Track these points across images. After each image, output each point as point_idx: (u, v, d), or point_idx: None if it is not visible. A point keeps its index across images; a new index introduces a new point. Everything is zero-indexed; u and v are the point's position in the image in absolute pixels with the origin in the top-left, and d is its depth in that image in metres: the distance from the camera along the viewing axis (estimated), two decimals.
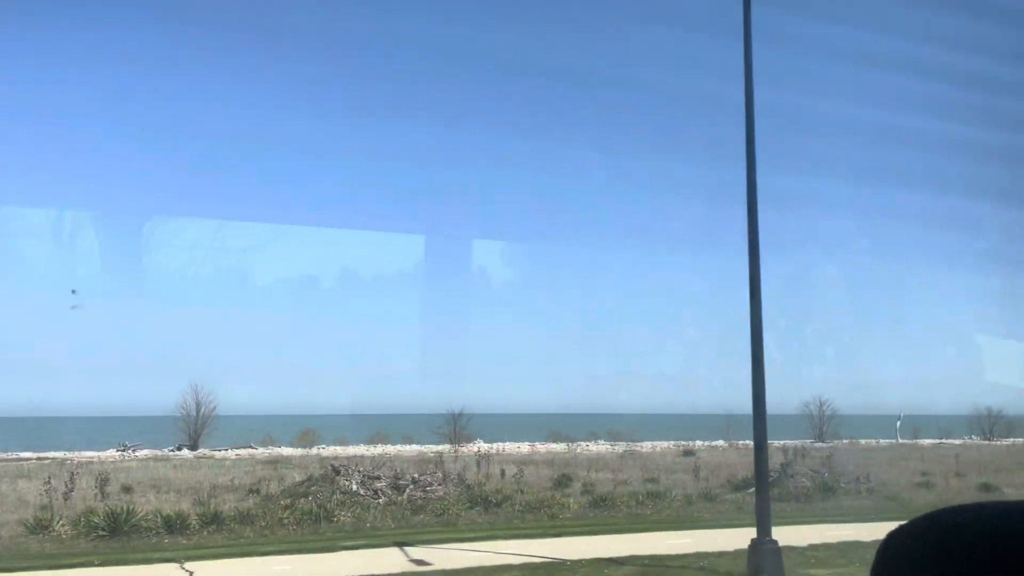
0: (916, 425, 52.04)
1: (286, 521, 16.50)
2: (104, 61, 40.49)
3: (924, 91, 26.32)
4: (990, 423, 52.12)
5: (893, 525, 1.05)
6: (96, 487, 18.95)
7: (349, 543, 15.07)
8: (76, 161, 45.67)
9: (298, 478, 21.43)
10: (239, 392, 58.77)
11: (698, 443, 43.98)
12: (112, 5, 38.41)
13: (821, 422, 48.32)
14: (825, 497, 22.66)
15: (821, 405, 48.45)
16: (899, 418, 51.06)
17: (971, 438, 51.95)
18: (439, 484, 20.07)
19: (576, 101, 46.28)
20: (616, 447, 40.93)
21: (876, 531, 1.34)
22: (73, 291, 35.79)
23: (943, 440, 50.32)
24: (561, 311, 64.88)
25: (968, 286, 44.97)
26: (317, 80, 41.89)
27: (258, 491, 19.92)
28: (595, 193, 50.33)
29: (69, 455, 33.09)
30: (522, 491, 20.50)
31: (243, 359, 58.70)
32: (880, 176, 35.30)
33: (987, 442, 49.12)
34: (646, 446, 42.18)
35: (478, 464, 24.25)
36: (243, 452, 35.02)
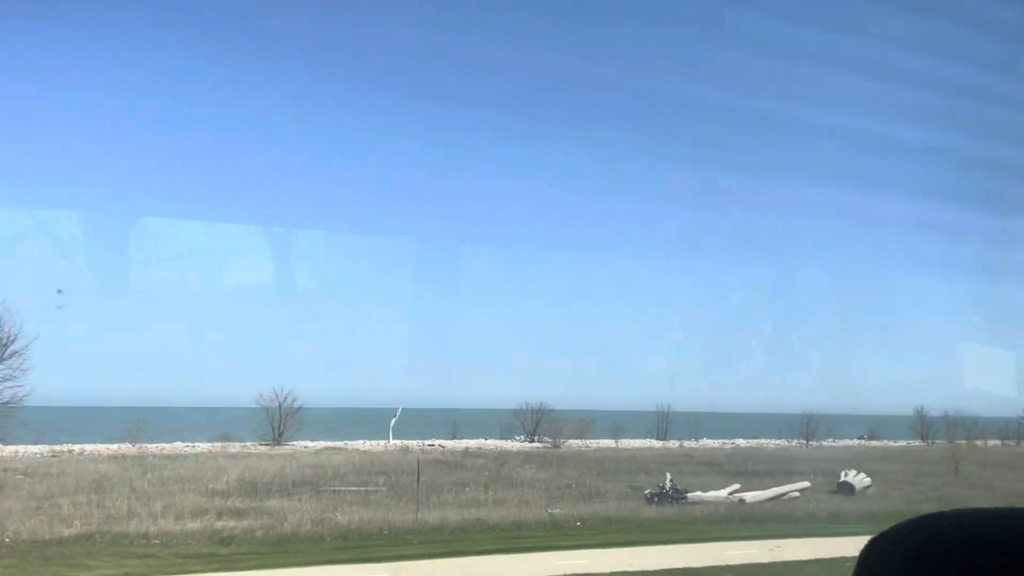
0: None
1: None
2: (103, 61, 40.06)
3: (910, 99, 26.39)
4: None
5: None
6: None
7: None
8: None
9: None
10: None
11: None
12: (108, 6, 37.97)
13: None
14: None
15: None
16: (395, 414, 45.04)
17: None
18: None
19: (568, 105, 45.99)
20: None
21: None
22: (59, 291, 35.95)
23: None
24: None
25: (951, 293, 45.06)
26: (311, 83, 41.59)
27: None
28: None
29: None
30: None
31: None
32: (866, 183, 35.38)
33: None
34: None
35: None
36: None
